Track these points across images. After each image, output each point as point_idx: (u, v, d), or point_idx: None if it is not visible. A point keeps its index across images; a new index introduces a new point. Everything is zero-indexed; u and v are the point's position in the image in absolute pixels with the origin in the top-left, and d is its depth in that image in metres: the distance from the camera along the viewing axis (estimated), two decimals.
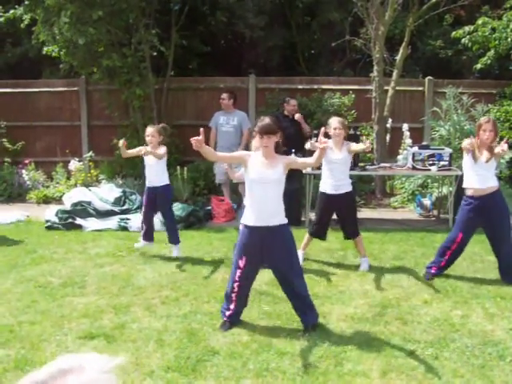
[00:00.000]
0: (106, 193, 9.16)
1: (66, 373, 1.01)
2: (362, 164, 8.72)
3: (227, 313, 4.77)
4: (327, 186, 6.31)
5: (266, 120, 4.51)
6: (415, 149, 8.49)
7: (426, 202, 9.26)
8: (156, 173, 6.77)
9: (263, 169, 4.43)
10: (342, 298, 5.44)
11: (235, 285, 4.66)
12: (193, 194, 9.99)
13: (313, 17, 13.59)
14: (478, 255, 6.83)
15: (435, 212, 9.21)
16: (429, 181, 9.62)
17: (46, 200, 10.24)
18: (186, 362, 4.14)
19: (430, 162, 8.34)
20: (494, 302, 5.33)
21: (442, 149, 8.64)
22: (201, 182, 10.24)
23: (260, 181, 4.42)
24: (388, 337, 4.59)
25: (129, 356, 4.23)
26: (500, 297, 5.46)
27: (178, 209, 8.54)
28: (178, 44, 10.97)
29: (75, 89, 11.39)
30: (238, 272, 4.60)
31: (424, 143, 9.27)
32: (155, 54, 10.42)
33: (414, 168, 8.42)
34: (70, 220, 8.40)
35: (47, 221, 8.37)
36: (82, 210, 8.63)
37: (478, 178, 5.73)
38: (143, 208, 7.01)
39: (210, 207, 9.13)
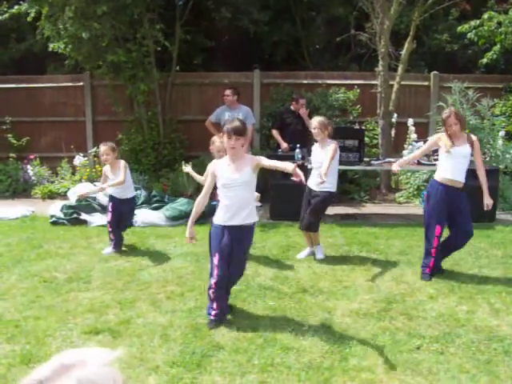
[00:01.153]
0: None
1: (69, 368, 1.01)
2: (367, 159, 8.70)
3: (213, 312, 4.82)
4: (312, 181, 6.45)
5: (236, 122, 4.64)
6: (420, 143, 8.46)
7: None
8: (122, 187, 6.84)
9: (230, 173, 4.61)
10: (347, 294, 5.43)
11: (212, 282, 4.73)
12: (197, 189, 9.97)
13: (317, 11, 13.54)
14: (484, 250, 6.82)
15: None
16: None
17: (51, 195, 10.26)
18: (190, 357, 4.14)
19: (436, 157, 8.30)
20: (499, 298, 5.32)
21: None
22: None
23: (230, 185, 4.61)
24: (393, 332, 4.58)
25: (134, 351, 4.24)
26: (506, 292, 5.44)
27: (182, 204, 8.55)
28: (183, 39, 10.94)
29: (80, 84, 11.39)
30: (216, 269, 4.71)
31: (429, 138, 9.22)
32: (160, 49, 10.40)
33: (419, 163, 8.39)
34: (75, 215, 8.41)
35: (52, 216, 8.39)
36: (87, 205, 8.64)
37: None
38: (110, 218, 6.91)
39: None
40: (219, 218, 4.75)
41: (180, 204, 8.57)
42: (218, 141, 6.02)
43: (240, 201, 4.61)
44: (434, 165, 8.31)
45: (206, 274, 6.05)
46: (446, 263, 6.37)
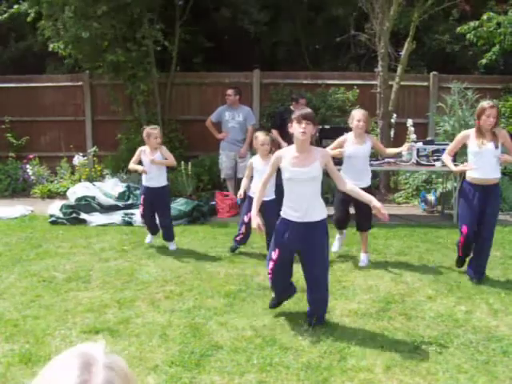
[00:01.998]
0: (110, 188, 9.17)
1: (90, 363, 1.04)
2: None
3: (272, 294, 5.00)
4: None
5: (307, 109, 4.56)
6: (420, 144, 8.47)
7: (431, 197, 9.24)
8: (157, 173, 6.85)
9: (297, 166, 4.39)
10: (346, 294, 5.44)
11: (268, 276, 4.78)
12: (197, 189, 9.99)
13: (317, 12, 13.54)
14: None
15: (439, 207, 9.20)
16: (433, 176, 9.61)
17: (51, 195, 10.26)
18: (189, 356, 4.15)
19: (435, 158, 8.32)
20: (498, 298, 5.32)
21: (447, 144, 8.59)
22: (205, 177, 10.23)
23: (296, 179, 4.40)
24: (392, 332, 4.58)
25: (133, 350, 4.24)
26: (504, 292, 5.45)
27: (181, 204, 8.56)
28: (182, 39, 10.95)
29: (79, 84, 11.39)
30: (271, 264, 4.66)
31: (428, 138, 9.24)
32: (159, 48, 10.40)
33: (418, 163, 8.40)
34: (75, 215, 8.41)
35: (51, 215, 8.39)
36: (87, 204, 8.64)
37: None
38: (141, 208, 7.04)
39: (214, 202, 9.13)
40: (286, 213, 4.53)
41: (179, 204, 8.57)
42: (261, 134, 6.46)
43: (307, 196, 4.40)
44: (434, 165, 8.33)
45: (204, 273, 6.07)
46: (445, 263, 6.39)
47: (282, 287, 4.83)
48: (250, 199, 6.35)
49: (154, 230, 7.10)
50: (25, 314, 4.92)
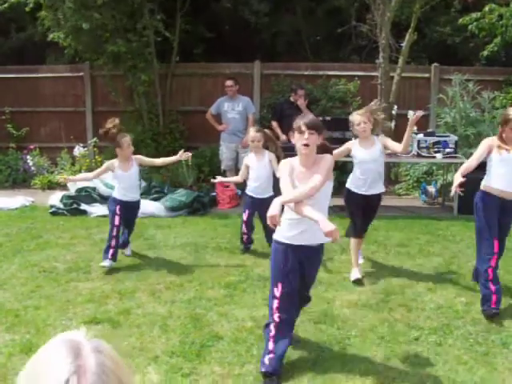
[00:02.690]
0: (110, 178, 9.15)
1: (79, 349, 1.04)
2: None
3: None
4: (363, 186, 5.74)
5: (310, 116, 4.02)
6: (420, 136, 8.46)
7: (431, 189, 9.23)
8: (135, 185, 6.24)
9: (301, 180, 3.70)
10: (346, 285, 5.45)
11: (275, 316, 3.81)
12: (197, 180, 9.98)
13: (318, 2, 13.47)
14: None
15: (440, 199, 9.19)
16: (434, 168, 9.60)
17: (51, 186, 10.24)
18: (190, 347, 4.16)
19: (436, 149, 8.31)
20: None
21: (448, 136, 8.60)
22: (205, 168, 10.22)
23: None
24: (392, 323, 4.59)
25: (133, 341, 4.26)
26: (504, 285, 5.45)
27: (182, 195, 8.56)
28: (183, 29, 10.91)
29: (80, 74, 11.35)
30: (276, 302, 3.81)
31: (429, 130, 9.22)
32: (160, 39, 10.36)
33: (419, 155, 8.39)
34: (75, 206, 8.41)
35: (52, 206, 8.39)
36: (87, 195, 8.64)
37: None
38: (115, 229, 5.99)
39: (214, 193, 9.13)
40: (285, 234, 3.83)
41: (180, 195, 8.57)
42: (251, 130, 6.40)
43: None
44: (434, 157, 8.32)
45: (205, 264, 6.08)
46: (445, 255, 6.39)
47: (291, 322, 3.92)
48: (249, 198, 6.44)
49: (123, 246, 6.34)
50: (25, 305, 4.93)
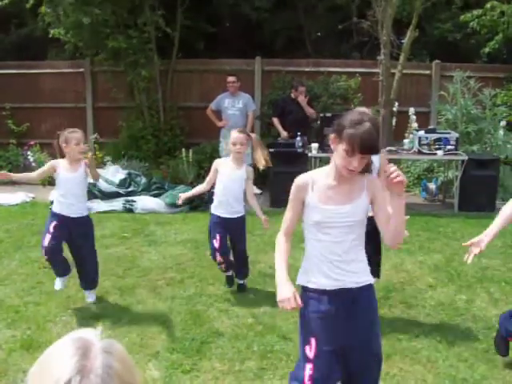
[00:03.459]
0: (111, 175, 9.16)
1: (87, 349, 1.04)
2: None
3: None
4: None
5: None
6: (421, 133, 8.45)
7: (432, 186, 9.23)
8: (79, 196, 4.92)
9: (332, 204, 2.67)
10: None
11: None
12: (198, 176, 9.97)
13: None
14: None
15: (441, 196, 9.19)
16: (435, 165, 9.60)
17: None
18: (190, 343, 4.17)
19: (436, 146, 8.30)
20: (498, 287, 5.33)
21: (449, 133, 8.59)
22: (206, 165, 10.18)
23: (328, 224, 2.69)
24: (392, 320, 4.60)
25: (133, 337, 4.26)
26: (505, 281, 5.46)
27: (182, 191, 8.54)
28: (184, 25, 10.89)
29: (80, 70, 11.34)
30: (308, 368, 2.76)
31: (430, 127, 9.21)
32: (160, 35, 10.35)
33: (420, 152, 8.38)
34: None
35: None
36: (87, 191, 8.60)
37: None
38: (47, 239, 4.71)
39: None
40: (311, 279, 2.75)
41: (180, 191, 8.54)
42: (234, 131, 5.05)
43: (348, 248, 2.70)
44: (435, 154, 8.31)
45: (205, 260, 6.07)
46: (446, 252, 6.39)
47: None
48: (215, 218, 5.06)
49: (64, 269, 4.89)
50: (26, 301, 4.93)
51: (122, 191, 8.80)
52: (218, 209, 5.06)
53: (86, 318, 4.59)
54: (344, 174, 2.59)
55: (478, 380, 3.70)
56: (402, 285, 5.37)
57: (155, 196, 8.64)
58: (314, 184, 2.68)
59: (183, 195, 5.40)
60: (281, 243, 2.81)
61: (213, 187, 5.25)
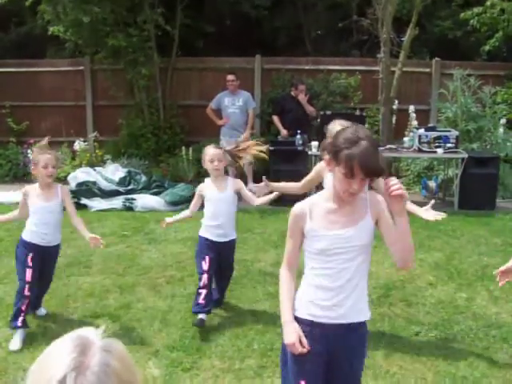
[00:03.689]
0: (110, 173, 9.16)
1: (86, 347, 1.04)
2: None
3: None
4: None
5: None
6: (421, 131, 8.45)
7: (432, 184, 9.22)
8: (54, 225, 4.43)
9: (336, 229, 2.47)
10: None
11: None
12: (198, 174, 9.96)
13: None
14: (483, 238, 6.82)
15: (440, 194, 9.18)
16: (435, 163, 9.59)
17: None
18: (190, 341, 4.17)
19: (436, 144, 8.30)
20: (498, 285, 5.31)
21: (449, 131, 8.59)
22: None
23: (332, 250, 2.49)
24: (392, 318, 4.59)
25: (134, 335, 4.26)
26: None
27: (182, 189, 8.57)
28: (183, 23, 10.89)
29: (80, 68, 11.34)
30: None
31: (430, 125, 9.21)
32: (160, 33, 10.34)
33: (420, 150, 8.38)
34: (75, 200, 8.40)
35: None
36: (87, 190, 8.64)
37: None
38: (29, 277, 4.36)
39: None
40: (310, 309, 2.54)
41: (180, 189, 8.57)
42: (210, 147, 4.61)
43: (352, 277, 2.50)
44: (435, 152, 8.31)
45: None
46: (446, 251, 6.39)
47: None
48: (205, 241, 4.57)
49: (35, 305, 4.63)
50: None
51: (121, 189, 8.80)
52: (207, 233, 4.58)
53: (86, 316, 4.59)
54: (344, 198, 2.42)
55: (478, 378, 3.70)
56: (402, 283, 5.37)
57: (155, 194, 8.64)
58: (313, 211, 2.49)
59: (168, 220, 4.85)
60: (284, 279, 2.64)
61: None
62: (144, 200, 8.41)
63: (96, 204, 8.40)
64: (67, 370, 0.98)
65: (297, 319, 2.52)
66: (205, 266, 4.45)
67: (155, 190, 8.76)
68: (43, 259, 4.38)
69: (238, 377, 3.73)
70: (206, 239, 4.55)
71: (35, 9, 10.56)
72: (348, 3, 12.41)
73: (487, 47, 10.71)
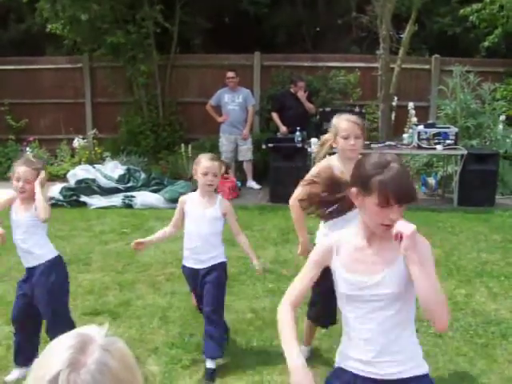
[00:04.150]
0: (110, 170, 9.16)
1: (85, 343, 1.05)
2: (367, 142, 8.67)
3: None
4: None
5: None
6: (421, 127, 8.44)
7: (431, 181, 9.22)
8: (35, 241, 3.96)
9: (361, 273, 2.15)
10: None
11: None
12: None
13: None
14: (483, 234, 6.83)
15: (440, 191, 9.18)
16: (434, 159, 9.58)
17: (51, 178, 10.20)
18: (189, 338, 4.17)
19: (436, 141, 8.29)
20: (497, 282, 5.33)
21: (448, 127, 8.58)
22: None
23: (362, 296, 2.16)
24: None
25: (133, 332, 4.27)
26: (504, 276, 5.46)
27: (181, 186, 8.57)
28: (182, 21, 10.87)
29: (79, 66, 11.32)
30: None
31: (430, 122, 9.20)
32: (159, 30, 10.33)
33: (419, 147, 8.37)
34: (75, 197, 8.41)
35: (51, 198, 8.37)
36: (87, 187, 8.63)
37: None
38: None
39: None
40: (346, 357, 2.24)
41: (179, 186, 8.57)
42: (205, 157, 3.83)
43: (383, 323, 2.14)
44: (434, 148, 8.30)
45: None
46: (445, 247, 6.39)
47: None
48: (187, 270, 3.98)
49: (31, 353, 3.61)
50: None
51: (121, 187, 8.80)
52: (188, 259, 3.92)
53: (86, 313, 4.59)
54: (379, 233, 2.10)
55: (477, 374, 3.71)
56: None
57: (154, 191, 8.64)
58: (340, 246, 2.18)
59: (141, 240, 4.10)
60: (285, 315, 2.28)
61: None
62: (143, 197, 8.41)
63: (95, 201, 8.40)
64: (62, 366, 0.98)
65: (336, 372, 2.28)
66: (194, 302, 4.14)
67: (154, 188, 8.76)
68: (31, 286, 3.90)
69: (238, 374, 3.73)
70: (188, 268, 3.93)
71: (33, 6, 10.54)
72: (347, 0, 12.40)
73: (486, 44, 10.69)
